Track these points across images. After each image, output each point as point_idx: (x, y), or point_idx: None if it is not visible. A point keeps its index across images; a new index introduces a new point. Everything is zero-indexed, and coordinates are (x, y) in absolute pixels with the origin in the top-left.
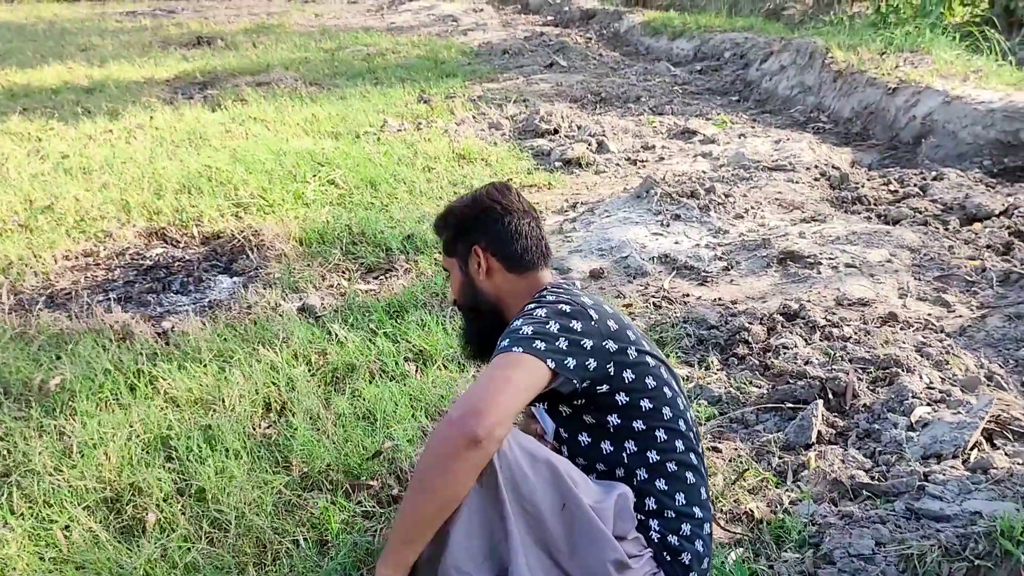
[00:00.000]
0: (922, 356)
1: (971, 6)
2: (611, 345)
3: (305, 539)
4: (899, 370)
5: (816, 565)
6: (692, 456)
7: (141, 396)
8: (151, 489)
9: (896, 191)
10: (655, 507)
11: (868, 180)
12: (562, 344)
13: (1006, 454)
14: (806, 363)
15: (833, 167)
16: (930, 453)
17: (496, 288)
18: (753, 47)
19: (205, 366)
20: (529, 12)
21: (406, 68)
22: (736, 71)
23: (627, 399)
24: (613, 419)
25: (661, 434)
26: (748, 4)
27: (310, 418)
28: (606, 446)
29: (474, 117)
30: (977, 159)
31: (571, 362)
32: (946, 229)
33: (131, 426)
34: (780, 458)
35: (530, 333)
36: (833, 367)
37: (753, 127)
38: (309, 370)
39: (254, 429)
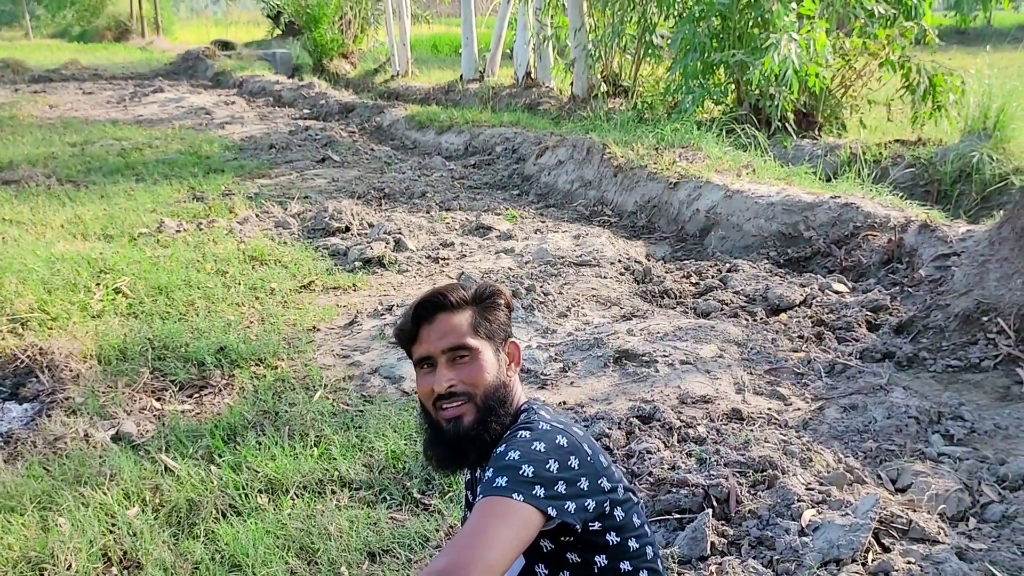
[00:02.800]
0: (787, 455)
1: (721, 104)
2: (605, 483)
3: None
4: (775, 472)
5: None
6: None
7: None
8: None
9: (698, 284)
10: None
11: (668, 273)
12: (561, 488)
13: (900, 555)
14: (672, 468)
15: (635, 261)
16: (829, 558)
17: (514, 386)
18: (524, 142)
19: (23, 516)
20: (283, 105)
21: (168, 163)
22: (511, 165)
23: (617, 539)
24: (600, 560)
25: (644, 575)
26: (506, 99)
27: (163, 570)
28: None
29: (257, 215)
30: (763, 250)
31: (571, 507)
32: (755, 320)
33: None
34: (679, 573)
35: (530, 476)
36: (710, 472)
37: (544, 221)
38: (146, 511)
39: None
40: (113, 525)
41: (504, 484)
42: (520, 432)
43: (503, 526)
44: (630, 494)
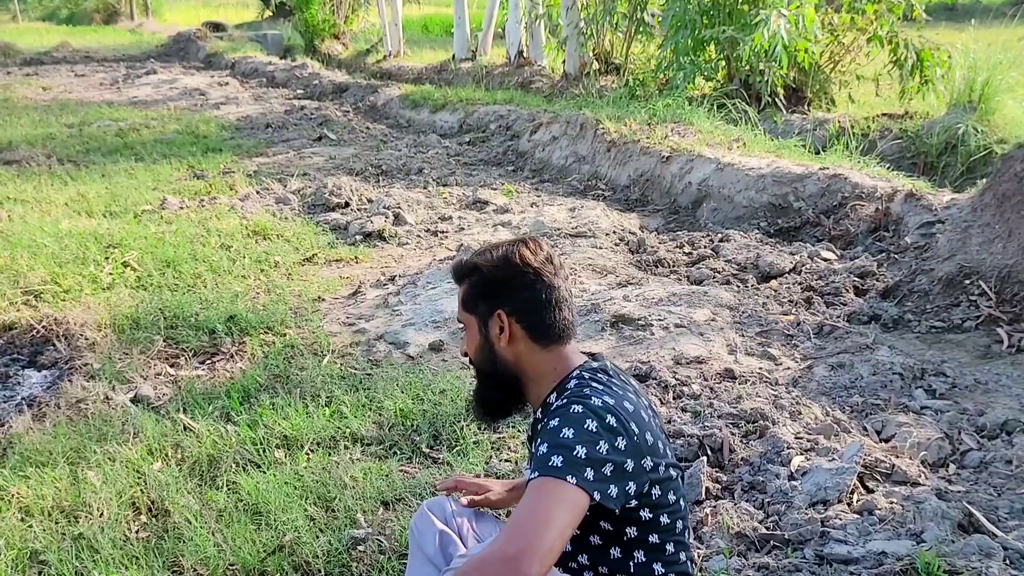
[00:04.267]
0: (778, 408)
1: (712, 80)
2: (648, 463)
3: None
4: (766, 423)
5: None
6: (690, 565)
7: None
8: None
9: (691, 253)
10: None
11: (662, 243)
12: (607, 470)
13: (883, 495)
14: (669, 422)
15: (629, 232)
16: (816, 500)
17: (516, 356)
18: (518, 119)
19: (55, 470)
20: (276, 86)
21: (166, 143)
22: (505, 142)
23: (650, 515)
24: (631, 531)
25: (670, 547)
26: (498, 78)
27: (188, 517)
28: (615, 552)
29: (258, 192)
30: (754, 221)
31: (614, 490)
32: (747, 287)
33: None
34: None
35: (583, 458)
36: (704, 424)
37: (539, 195)
38: (169, 465)
39: (130, 533)
40: (140, 477)
41: (560, 465)
42: (573, 407)
43: (560, 510)
44: (671, 470)
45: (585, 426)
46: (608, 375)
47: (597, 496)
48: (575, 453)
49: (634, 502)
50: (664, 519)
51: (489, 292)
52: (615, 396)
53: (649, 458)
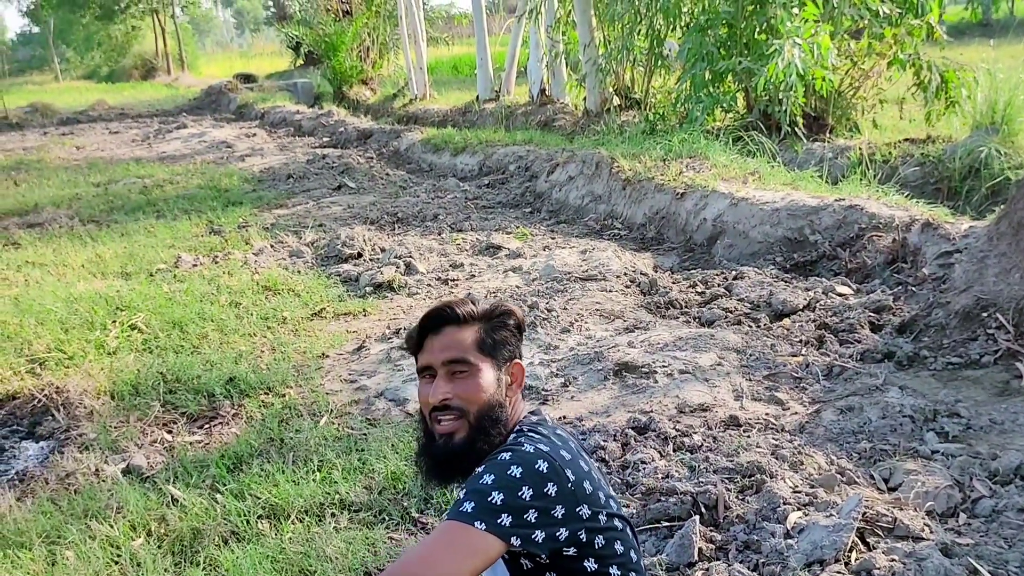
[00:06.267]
0: (778, 459)
1: (731, 112)
2: (585, 511)
3: None
4: (763, 476)
5: None
6: None
7: None
8: None
9: (703, 292)
10: None
11: (675, 283)
12: (531, 517)
13: (883, 552)
14: (665, 477)
15: (641, 273)
16: (813, 559)
17: (512, 408)
18: (536, 159)
19: (31, 551)
20: (303, 135)
21: (188, 199)
22: (523, 183)
23: (596, 566)
24: None
25: None
26: (521, 118)
27: None
28: None
29: (272, 246)
30: (770, 256)
31: (539, 535)
32: (758, 327)
33: None
34: None
35: (498, 504)
36: (700, 479)
37: (554, 238)
38: (150, 541)
39: None
40: (118, 556)
41: (470, 510)
42: (502, 454)
43: (455, 555)
44: (615, 520)
45: (509, 472)
46: (547, 427)
47: (516, 542)
48: (490, 499)
49: (572, 550)
50: (614, 571)
51: (514, 338)
52: (551, 445)
53: (586, 506)
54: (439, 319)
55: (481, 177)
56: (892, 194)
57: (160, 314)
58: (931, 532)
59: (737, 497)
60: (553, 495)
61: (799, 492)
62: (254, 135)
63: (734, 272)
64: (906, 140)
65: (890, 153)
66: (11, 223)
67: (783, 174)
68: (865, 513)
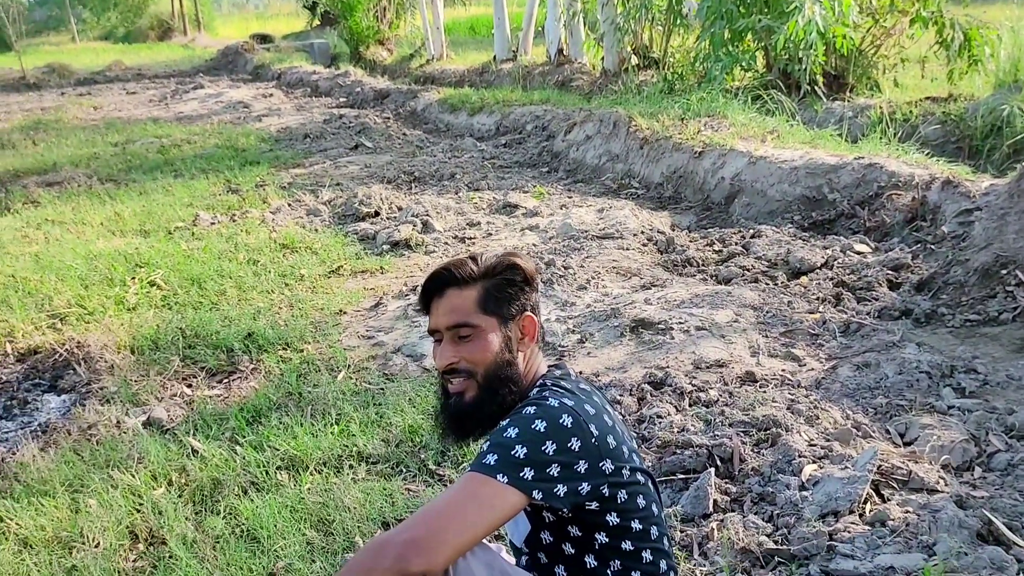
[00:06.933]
0: (794, 413)
1: (751, 71)
2: (608, 466)
3: None
4: (779, 430)
5: None
6: (672, 574)
7: None
8: None
9: (721, 251)
10: None
11: (692, 242)
12: (554, 471)
13: (898, 504)
14: (681, 431)
15: (658, 231)
16: (827, 511)
17: (526, 362)
18: (554, 119)
19: (55, 499)
20: (320, 95)
21: (206, 158)
22: (541, 143)
23: (618, 520)
24: (601, 537)
25: (647, 555)
26: (538, 78)
27: (185, 544)
28: (590, 560)
29: (289, 205)
30: (788, 215)
31: (561, 489)
32: (775, 284)
33: None
34: (682, 531)
35: (521, 457)
36: (715, 433)
37: (571, 197)
38: (171, 491)
39: (124, 564)
40: (140, 505)
41: (492, 463)
42: (527, 408)
43: (477, 506)
44: (638, 474)
45: (533, 427)
46: (571, 381)
47: (537, 495)
48: (513, 453)
49: (594, 504)
50: (636, 525)
51: (521, 292)
52: (576, 399)
53: (609, 461)
54: (440, 282)
55: (498, 137)
56: (912, 152)
57: (179, 271)
58: (946, 485)
59: (752, 450)
60: (576, 450)
61: (814, 446)
62: (271, 95)
63: (752, 230)
64: (927, 99)
65: (911, 112)
66: (31, 182)
67: (802, 133)
68: (880, 466)
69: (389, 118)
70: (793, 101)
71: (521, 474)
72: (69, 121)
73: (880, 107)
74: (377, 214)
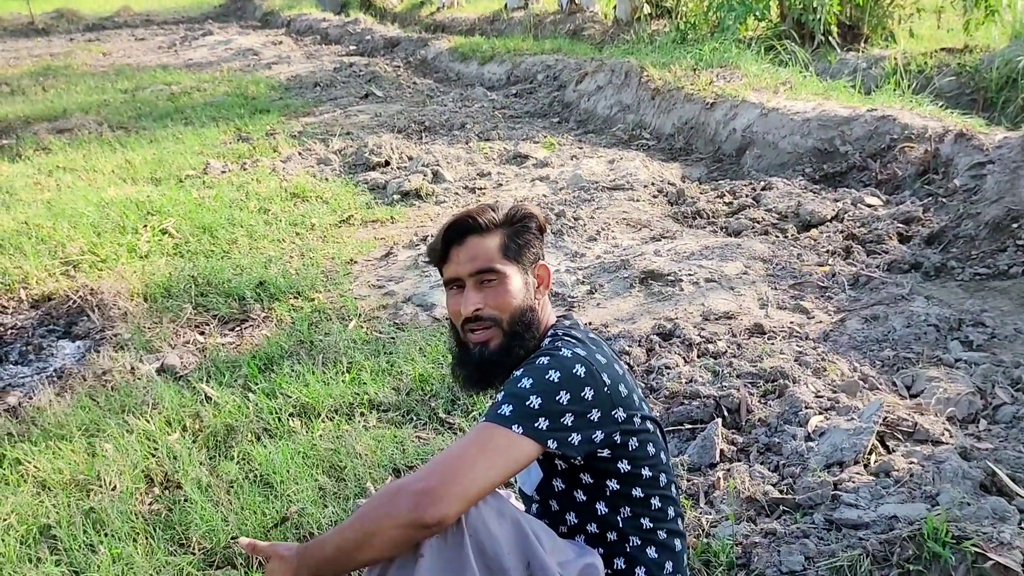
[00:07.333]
0: (801, 365)
1: (764, 20)
2: (620, 414)
3: None
4: (786, 381)
5: None
6: (679, 522)
7: (8, 482)
8: None
9: (731, 203)
10: None
11: (702, 194)
12: (568, 420)
13: (902, 455)
14: (689, 381)
15: (668, 183)
16: (832, 461)
17: (541, 310)
18: (565, 69)
19: (72, 443)
20: (330, 43)
21: (215, 106)
22: (551, 93)
23: (628, 467)
24: (611, 484)
25: (656, 502)
26: (550, 27)
27: (199, 488)
28: (600, 507)
29: (300, 154)
30: (799, 167)
31: (575, 438)
32: (785, 237)
33: (3, 519)
34: (689, 480)
35: (536, 408)
36: (723, 384)
37: (581, 148)
38: (185, 436)
39: (140, 507)
40: (155, 449)
41: (507, 413)
42: (540, 358)
43: (491, 456)
44: (647, 423)
45: (547, 376)
46: (581, 331)
47: (552, 444)
48: (528, 403)
49: (606, 451)
50: (646, 472)
51: (537, 240)
52: (587, 349)
53: (621, 409)
54: (462, 229)
55: (509, 86)
56: (926, 105)
57: (190, 219)
58: (951, 436)
59: (759, 401)
60: (590, 399)
61: (821, 397)
62: (280, 43)
63: (762, 183)
64: (943, 50)
65: (926, 63)
66: (41, 128)
67: (815, 84)
68: (886, 417)
69: (399, 66)
70: (807, 52)
71: (536, 424)
72: (78, 67)
73: (895, 58)
74: (387, 163)
